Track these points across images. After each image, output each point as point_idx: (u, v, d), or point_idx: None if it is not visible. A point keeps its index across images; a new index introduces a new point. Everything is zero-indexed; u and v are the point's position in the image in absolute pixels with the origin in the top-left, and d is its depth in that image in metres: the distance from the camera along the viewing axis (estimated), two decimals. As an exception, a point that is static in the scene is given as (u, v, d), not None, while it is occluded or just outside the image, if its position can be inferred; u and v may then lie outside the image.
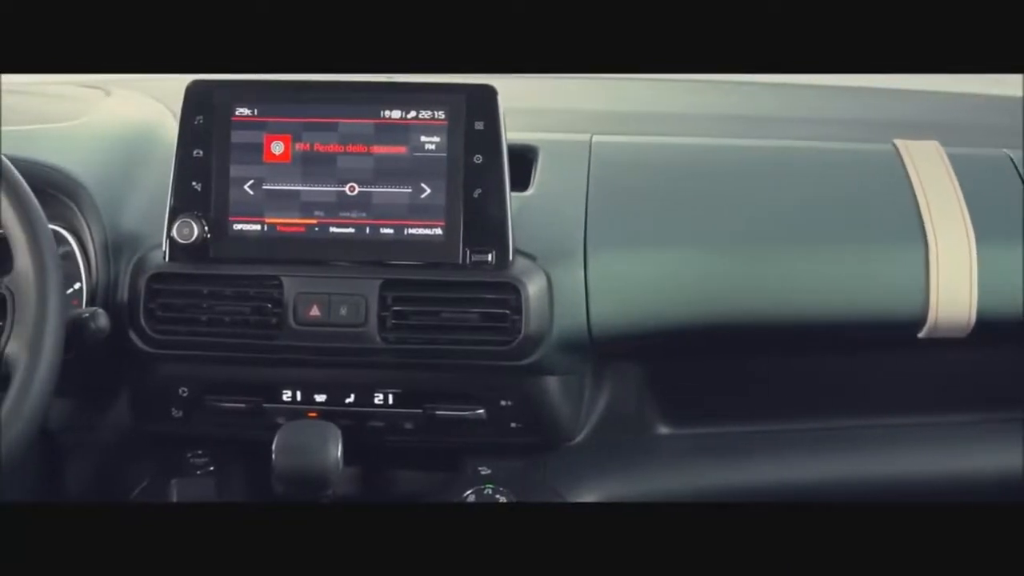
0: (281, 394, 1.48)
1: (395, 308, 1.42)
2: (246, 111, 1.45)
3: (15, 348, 1.27)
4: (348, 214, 1.44)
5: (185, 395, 1.48)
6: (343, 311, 1.41)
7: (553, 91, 1.91)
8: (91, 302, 1.46)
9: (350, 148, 1.44)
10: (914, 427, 1.62)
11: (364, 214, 1.43)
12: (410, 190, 1.43)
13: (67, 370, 1.28)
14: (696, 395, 1.61)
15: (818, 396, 1.61)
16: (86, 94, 1.76)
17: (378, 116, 1.44)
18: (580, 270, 1.45)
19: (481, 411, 1.47)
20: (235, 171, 1.45)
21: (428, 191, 1.43)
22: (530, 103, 1.75)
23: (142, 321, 1.43)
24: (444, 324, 1.42)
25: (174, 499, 1.50)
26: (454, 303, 1.42)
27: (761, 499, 1.57)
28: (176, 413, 1.49)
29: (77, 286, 1.46)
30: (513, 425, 1.48)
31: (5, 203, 1.31)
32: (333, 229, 1.44)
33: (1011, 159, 1.58)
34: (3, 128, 1.50)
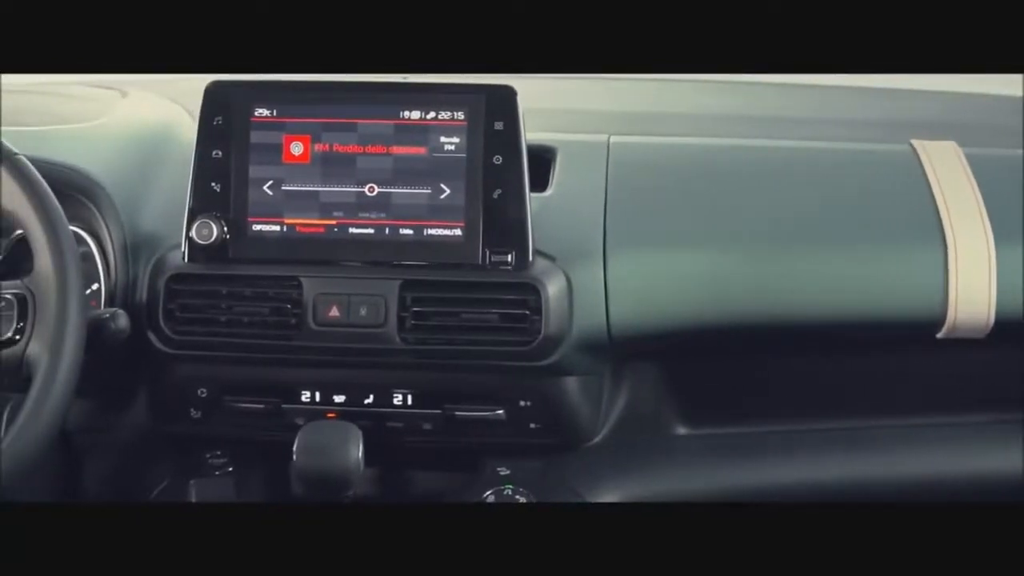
0: (300, 395, 1.48)
1: (414, 309, 1.42)
2: (265, 112, 1.45)
3: (36, 349, 1.28)
4: (367, 215, 1.43)
5: (204, 396, 1.49)
6: (363, 312, 1.41)
7: (566, 92, 1.91)
8: (109, 303, 1.46)
9: (369, 149, 1.44)
10: (932, 427, 1.61)
11: (383, 215, 1.43)
12: (429, 191, 1.43)
13: (85, 371, 1.28)
14: (714, 395, 1.61)
15: (836, 396, 1.61)
16: (102, 95, 1.76)
17: (397, 116, 1.44)
18: (599, 270, 1.45)
19: (500, 412, 1.47)
20: (254, 172, 1.45)
21: (448, 192, 1.43)
22: (544, 103, 1.75)
23: (161, 322, 1.43)
24: (464, 325, 1.42)
25: (193, 500, 1.50)
26: (474, 304, 1.42)
27: (779, 499, 1.57)
28: (195, 414, 1.50)
29: (95, 287, 1.46)
30: (532, 426, 1.48)
31: (26, 203, 1.31)
32: (352, 230, 1.44)
33: None
34: (21, 129, 1.51)
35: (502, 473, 1.51)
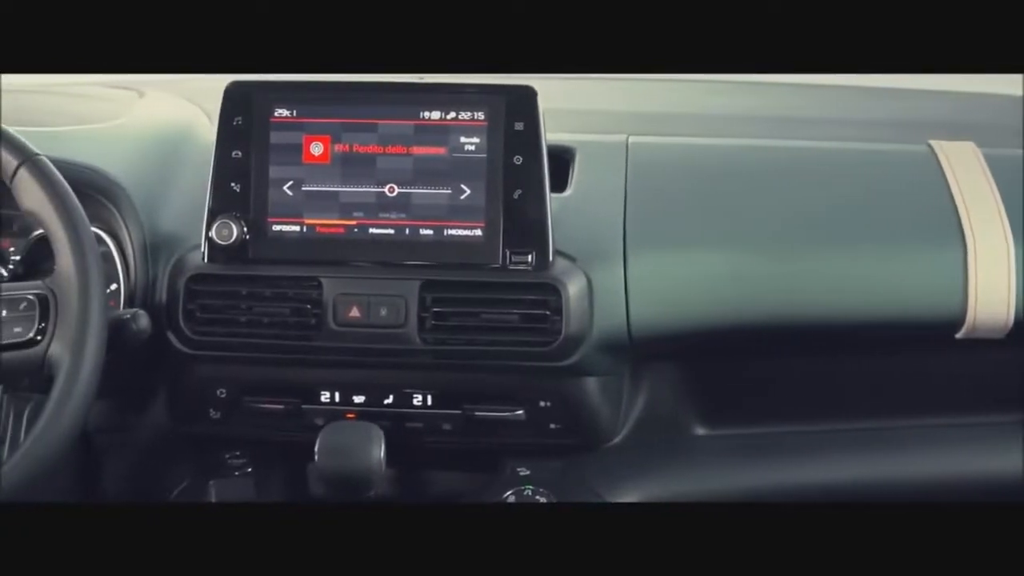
0: (319, 395, 1.48)
1: (435, 309, 1.42)
2: (285, 112, 1.45)
3: (58, 349, 1.28)
4: (387, 215, 1.43)
5: (223, 396, 1.49)
6: (383, 312, 1.41)
7: (577, 92, 1.91)
8: (129, 303, 1.46)
9: (389, 149, 1.44)
10: (951, 427, 1.61)
11: (403, 215, 1.43)
12: (450, 191, 1.43)
13: (105, 371, 1.28)
14: (733, 396, 1.61)
15: (854, 397, 1.61)
16: (119, 95, 1.76)
17: (417, 117, 1.44)
18: (620, 271, 1.45)
19: (520, 412, 1.47)
20: (274, 172, 1.44)
21: (468, 192, 1.43)
22: (557, 104, 1.74)
23: (181, 322, 1.43)
24: (484, 325, 1.42)
25: (213, 500, 1.50)
26: (494, 304, 1.42)
27: (797, 499, 1.57)
28: (214, 414, 1.50)
29: (114, 287, 1.46)
30: (552, 426, 1.48)
31: (47, 204, 1.31)
32: (372, 230, 1.44)
33: None
34: (39, 129, 1.50)
35: (522, 474, 1.51)
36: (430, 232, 1.43)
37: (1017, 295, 1.45)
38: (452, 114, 1.44)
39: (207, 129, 1.66)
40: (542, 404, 1.47)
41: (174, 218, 1.51)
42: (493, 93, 1.44)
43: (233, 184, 1.44)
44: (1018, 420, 1.61)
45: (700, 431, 1.61)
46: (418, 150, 1.44)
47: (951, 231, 1.48)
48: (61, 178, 1.32)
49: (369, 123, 1.44)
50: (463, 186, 1.43)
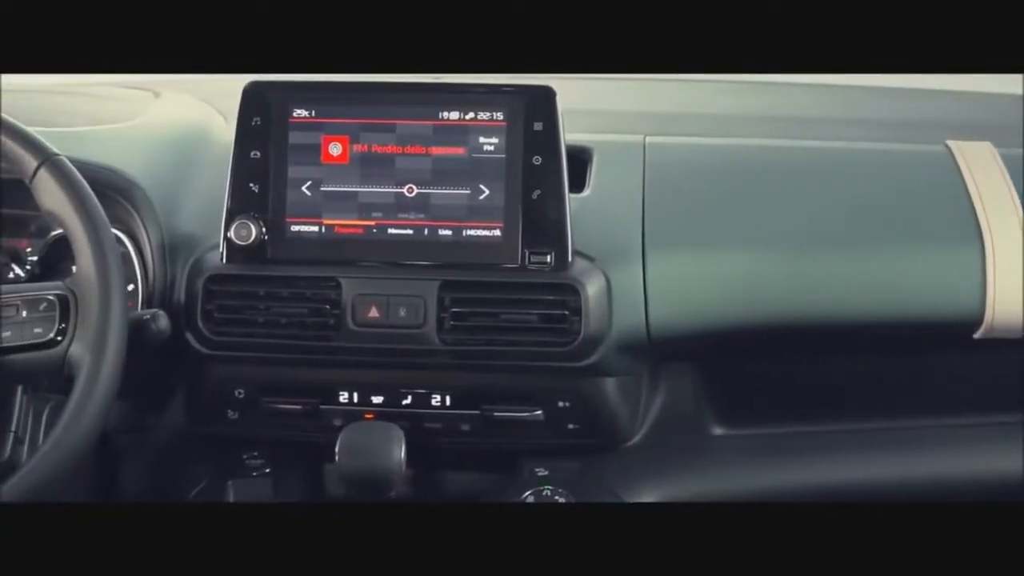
0: (338, 395, 1.48)
1: (453, 309, 1.42)
2: (303, 112, 1.45)
3: (78, 350, 1.27)
4: (406, 215, 1.43)
5: (241, 396, 1.49)
6: (402, 312, 1.41)
7: (589, 93, 1.90)
8: (147, 304, 1.46)
9: (408, 149, 1.44)
10: (970, 427, 1.61)
11: (422, 215, 1.43)
12: (468, 191, 1.43)
13: (124, 371, 1.28)
14: (751, 396, 1.60)
15: (872, 397, 1.61)
16: (135, 95, 1.76)
17: (436, 117, 1.44)
18: (638, 271, 1.45)
19: (539, 412, 1.47)
20: (293, 172, 1.44)
21: (487, 192, 1.43)
22: (572, 104, 1.75)
23: (199, 322, 1.43)
24: (503, 325, 1.42)
25: (231, 500, 1.50)
26: (513, 304, 1.42)
27: (816, 499, 1.57)
28: (232, 415, 1.50)
29: (132, 288, 1.46)
30: (571, 426, 1.48)
31: (67, 204, 1.31)
32: (391, 230, 1.44)
33: None
34: (56, 130, 1.50)
35: (540, 474, 1.51)
36: (449, 232, 1.43)
37: (1035, 295, 1.45)
38: (471, 114, 1.44)
39: (223, 129, 1.66)
40: (560, 404, 1.47)
41: (192, 218, 1.51)
42: (512, 93, 1.44)
43: (251, 184, 1.44)
44: None
45: (718, 431, 1.61)
46: (437, 150, 1.44)
47: (969, 231, 1.48)
48: (81, 178, 1.32)
49: (388, 123, 1.44)
50: (482, 186, 1.43)
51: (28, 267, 1.55)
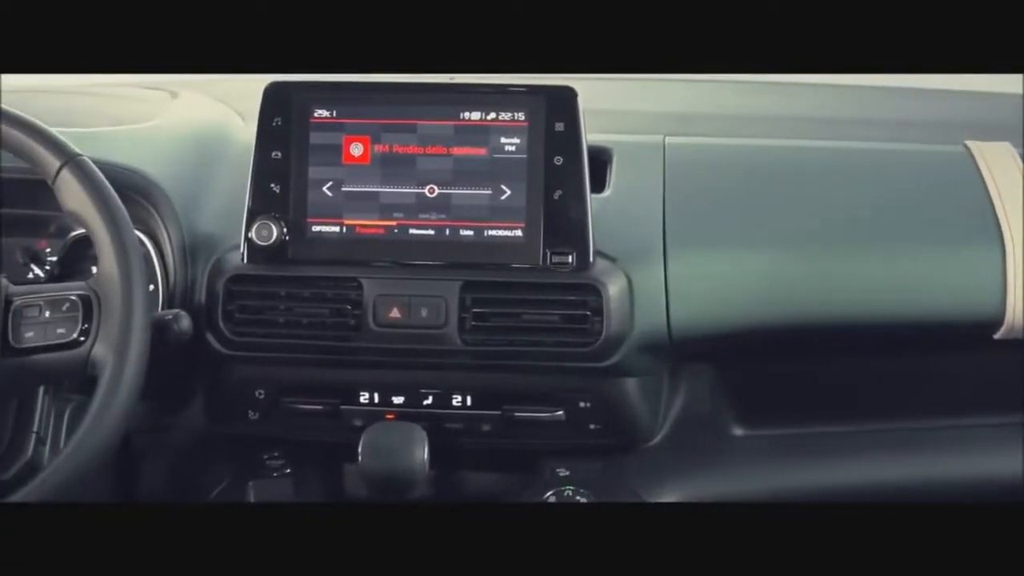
0: (358, 396, 1.48)
1: (475, 310, 1.41)
2: (325, 113, 1.45)
3: (101, 350, 1.28)
4: (428, 216, 1.43)
5: (262, 397, 1.49)
6: (423, 313, 1.41)
7: (603, 93, 1.90)
8: (168, 304, 1.46)
9: (429, 150, 1.44)
10: (990, 427, 1.61)
11: (444, 216, 1.43)
12: (490, 192, 1.43)
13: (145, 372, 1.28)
14: (771, 396, 1.60)
15: (892, 397, 1.61)
16: (152, 96, 1.76)
17: (458, 118, 1.44)
18: (660, 271, 1.45)
19: (560, 413, 1.47)
20: (314, 173, 1.44)
21: (508, 193, 1.43)
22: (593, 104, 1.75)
23: (220, 323, 1.43)
24: (524, 326, 1.42)
25: (252, 500, 1.50)
26: (535, 305, 1.42)
27: (835, 500, 1.57)
28: (252, 415, 1.50)
29: (152, 288, 1.46)
30: (592, 427, 1.48)
31: (90, 204, 1.31)
32: (412, 231, 1.44)
33: None
34: (76, 130, 1.50)
35: (562, 474, 1.51)
36: (470, 233, 1.43)
37: (1055, 295, 1.45)
38: (492, 115, 1.44)
39: (241, 130, 1.66)
40: (582, 405, 1.47)
41: (212, 219, 1.51)
42: (534, 93, 1.44)
43: (272, 185, 1.44)
44: None
45: (738, 431, 1.61)
46: (458, 151, 1.44)
47: (989, 231, 1.48)
48: (104, 179, 1.33)
49: (409, 123, 1.44)
50: (503, 186, 1.43)
51: (47, 267, 1.55)
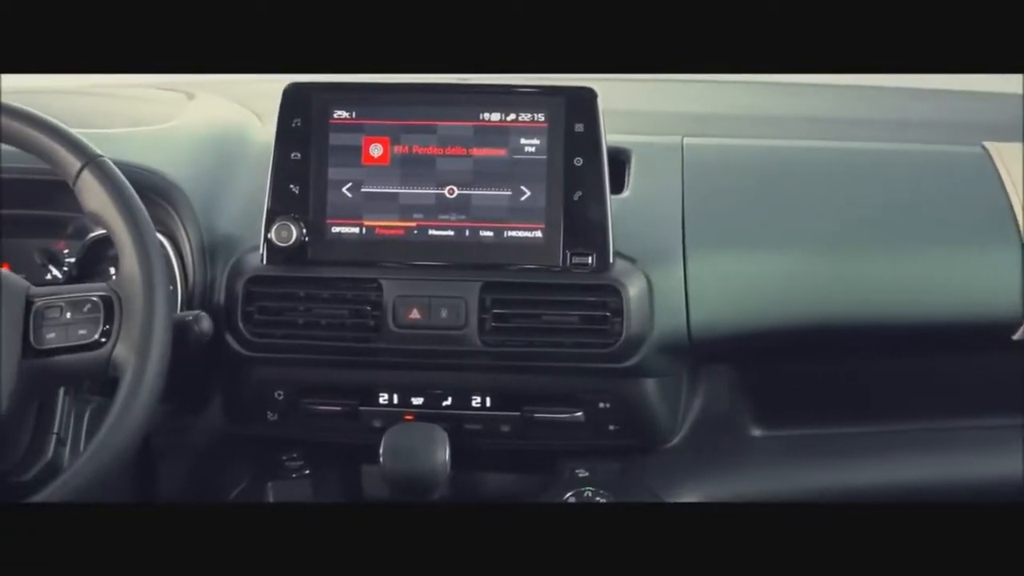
0: (378, 397, 1.48)
1: (495, 311, 1.41)
2: (344, 113, 1.45)
3: (123, 352, 1.28)
4: (447, 216, 1.43)
5: (280, 398, 1.49)
6: (443, 314, 1.41)
7: (624, 93, 1.90)
8: (187, 305, 1.47)
9: (449, 150, 1.44)
10: (1009, 428, 1.60)
11: (463, 216, 1.43)
12: (510, 192, 1.43)
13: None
14: (789, 397, 1.60)
15: (911, 398, 1.61)
16: (169, 97, 1.76)
17: (477, 118, 1.44)
18: (679, 272, 1.45)
19: (579, 414, 1.47)
20: (333, 173, 1.44)
21: (528, 193, 1.43)
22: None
23: (239, 324, 1.43)
24: (544, 326, 1.42)
25: (271, 501, 1.50)
26: (554, 305, 1.41)
27: (855, 500, 1.57)
28: (271, 416, 1.50)
29: (172, 289, 1.46)
30: (611, 427, 1.48)
31: (111, 205, 1.31)
32: (432, 232, 1.43)
33: None
34: (94, 131, 1.50)
35: (581, 475, 1.50)
36: (490, 233, 1.43)
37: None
38: (512, 115, 1.44)
39: (259, 130, 1.66)
40: (601, 405, 1.47)
41: (231, 220, 1.51)
42: (553, 94, 1.44)
43: (292, 186, 1.44)
44: None
45: (757, 432, 1.61)
46: (478, 151, 1.44)
47: (1008, 232, 1.49)
48: (124, 180, 1.33)
49: (429, 124, 1.44)
50: (523, 187, 1.43)
51: (65, 268, 1.55)
